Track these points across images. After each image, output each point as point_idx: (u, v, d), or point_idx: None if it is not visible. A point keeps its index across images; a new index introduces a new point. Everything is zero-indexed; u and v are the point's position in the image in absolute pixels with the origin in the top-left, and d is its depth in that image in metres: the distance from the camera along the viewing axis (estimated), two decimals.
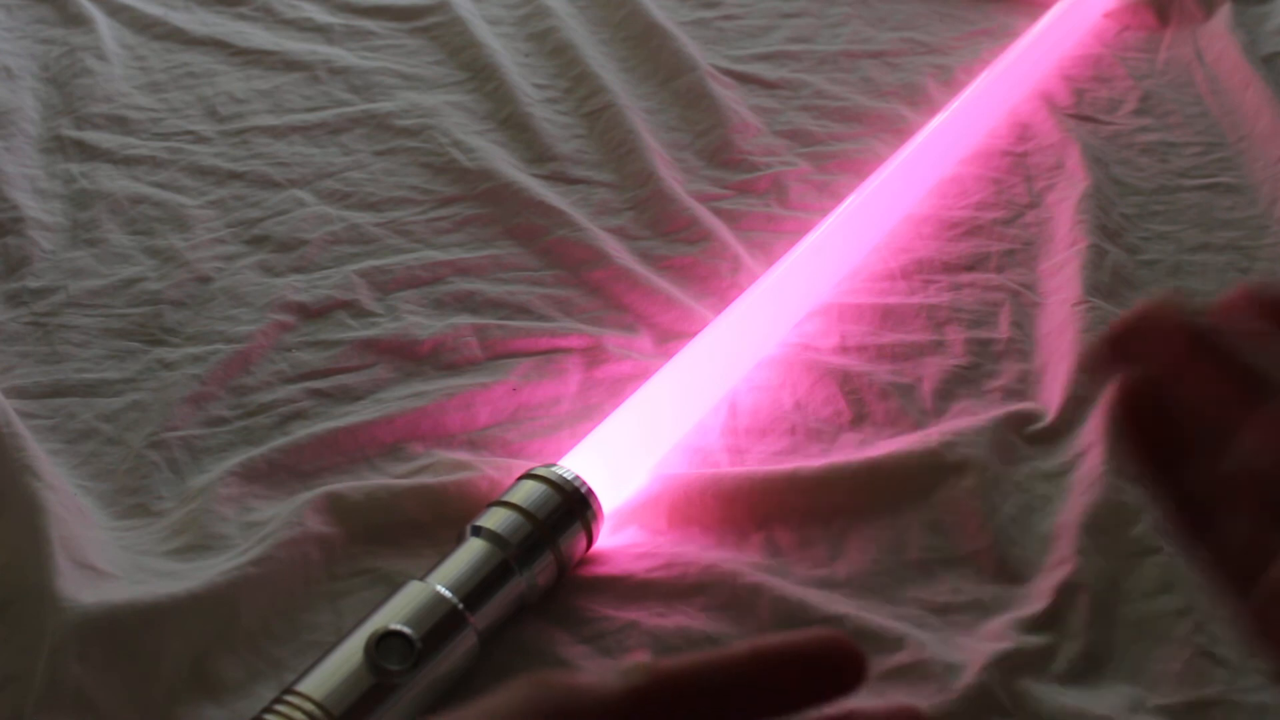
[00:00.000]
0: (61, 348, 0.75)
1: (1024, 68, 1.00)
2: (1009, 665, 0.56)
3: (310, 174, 0.90)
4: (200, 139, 0.94)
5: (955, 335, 0.76)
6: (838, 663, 0.29)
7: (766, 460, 0.68)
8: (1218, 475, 0.36)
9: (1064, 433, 0.68)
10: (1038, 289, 0.80)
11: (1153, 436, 0.35)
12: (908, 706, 0.29)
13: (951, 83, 1.02)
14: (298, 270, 0.81)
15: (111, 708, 0.54)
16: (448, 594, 0.55)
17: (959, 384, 0.72)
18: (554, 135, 0.94)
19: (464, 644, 0.55)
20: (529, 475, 0.61)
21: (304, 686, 0.51)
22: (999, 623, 0.59)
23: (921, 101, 0.99)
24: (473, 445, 0.68)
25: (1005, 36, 1.07)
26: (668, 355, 0.72)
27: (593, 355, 0.74)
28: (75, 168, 0.90)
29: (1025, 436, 0.69)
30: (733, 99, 0.98)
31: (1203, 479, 0.35)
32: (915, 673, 0.56)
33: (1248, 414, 0.37)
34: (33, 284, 0.80)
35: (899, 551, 0.62)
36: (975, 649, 0.57)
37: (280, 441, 0.68)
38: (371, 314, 0.77)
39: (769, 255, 0.82)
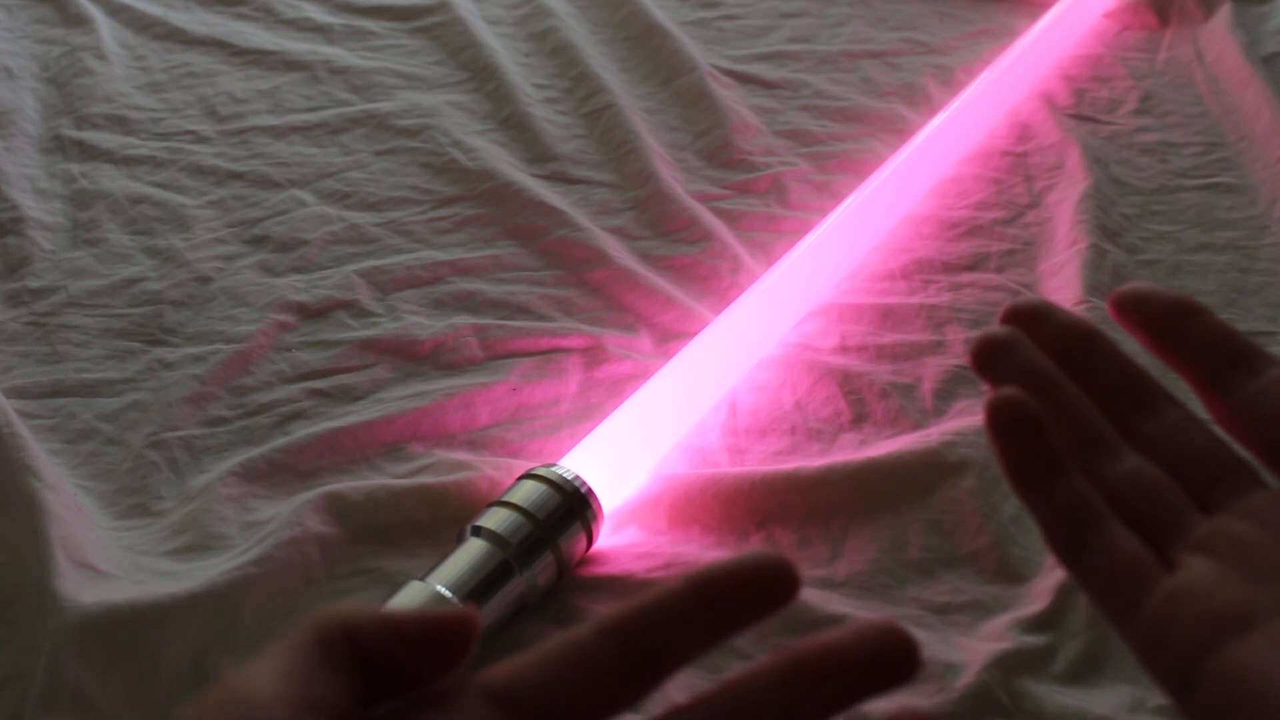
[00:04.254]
0: (61, 348, 0.75)
1: (1024, 68, 1.00)
2: (1009, 665, 0.56)
3: (310, 174, 0.90)
4: (200, 139, 0.94)
5: (955, 335, 0.76)
6: (772, 577, 0.29)
7: (766, 460, 0.68)
8: (1101, 488, 0.35)
9: None
10: (1038, 289, 0.80)
11: (1029, 447, 0.34)
12: (888, 624, 0.29)
13: (951, 83, 1.02)
14: (298, 270, 0.81)
15: (111, 708, 0.54)
16: (448, 594, 0.55)
17: (959, 384, 0.72)
18: (554, 135, 0.94)
19: None
20: (529, 475, 0.61)
21: None
22: (999, 623, 0.59)
23: (921, 101, 0.99)
24: (473, 445, 0.68)
25: (1005, 36, 1.07)
26: (668, 355, 0.72)
27: (593, 355, 0.74)
28: (75, 168, 0.90)
29: None
30: (733, 99, 0.98)
31: (1082, 492, 0.34)
32: None
33: (1133, 423, 0.36)
34: (33, 284, 0.80)
35: (899, 551, 0.63)
36: (975, 649, 0.57)
37: (280, 441, 0.68)
38: (371, 314, 0.77)
39: (769, 255, 0.82)
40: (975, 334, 0.37)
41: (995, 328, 0.37)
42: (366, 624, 0.29)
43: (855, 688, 0.29)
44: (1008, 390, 0.34)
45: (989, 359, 0.36)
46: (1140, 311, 0.38)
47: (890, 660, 0.28)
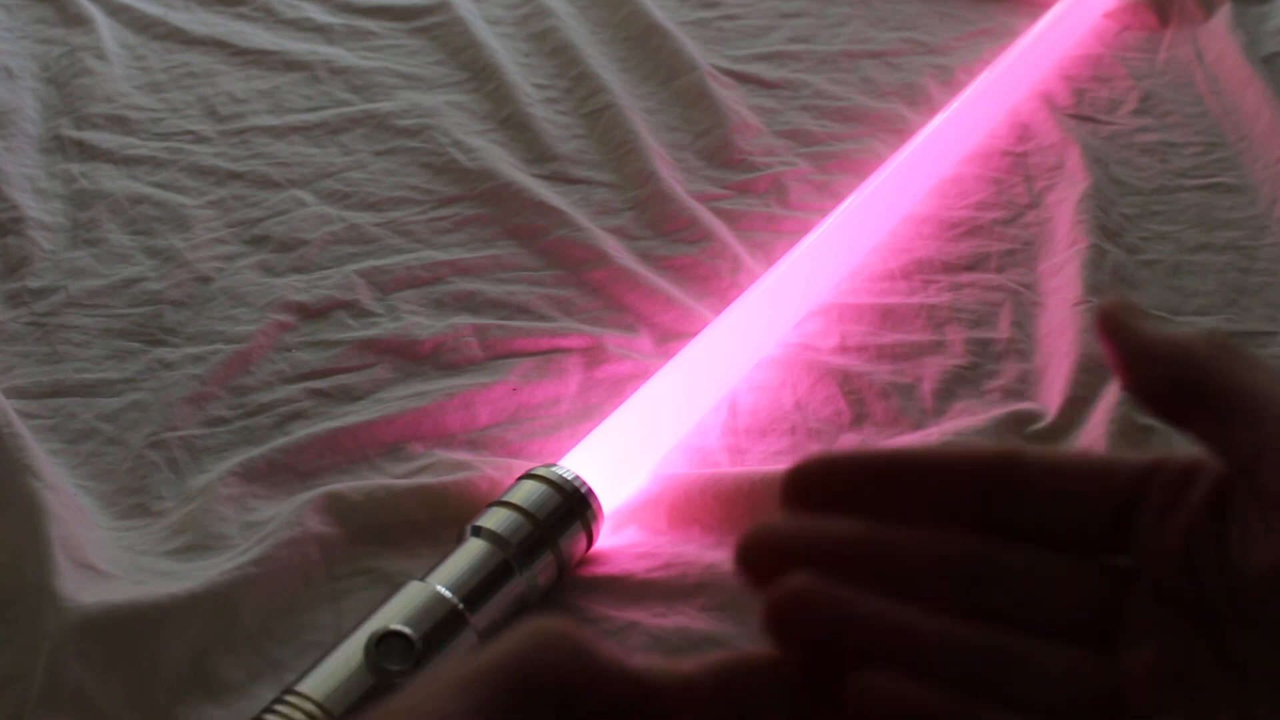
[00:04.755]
0: (61, 348, 0.75)
1: (1024, 68, 1.00)
2: None
3: (310, 174, 0.90)
4: (200, 139, 0.94)
5: (955, 335, 0.76)
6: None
7: (766, 460, 0.68)
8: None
9: (1064, 433, 0.68)
10: (1038, 289, 0.80)
11: None
12: None
13: (951, 83, 1.02)
14: (298, 270, 0.81)
15: (111, 708, 0.54)
16: (448, 594, 0.55)
17: (959, 384, 0.72)
18: (554, 135, 0.94)
19: (464, 644, 0.55)
20: (529, 475, 0.61)
21: (304, 687, 0.51)
22: None
23: (921, 101, 0.99)
24: (473, 445, 0.68)
25: (1005, 36, 1.07)
26: (668, 355, 0.72)
27: (593, 355, 0.74)
28: (75, 168, 0.90)
29: (1025, 436, 0.69)
30: (733, 99, 0.98)
31: None
32: None
33: (1011, 514, 0.30)
34: (33, 284, 0.80)
35: None
36: None
37: (280, 441, 0.68)
38: (371, 314, 0.77)
39: (769, 255, 0.82)
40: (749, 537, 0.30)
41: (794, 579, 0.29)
42: (596, 677, 0.27)
43: None
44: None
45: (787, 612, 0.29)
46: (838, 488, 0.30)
47: None
